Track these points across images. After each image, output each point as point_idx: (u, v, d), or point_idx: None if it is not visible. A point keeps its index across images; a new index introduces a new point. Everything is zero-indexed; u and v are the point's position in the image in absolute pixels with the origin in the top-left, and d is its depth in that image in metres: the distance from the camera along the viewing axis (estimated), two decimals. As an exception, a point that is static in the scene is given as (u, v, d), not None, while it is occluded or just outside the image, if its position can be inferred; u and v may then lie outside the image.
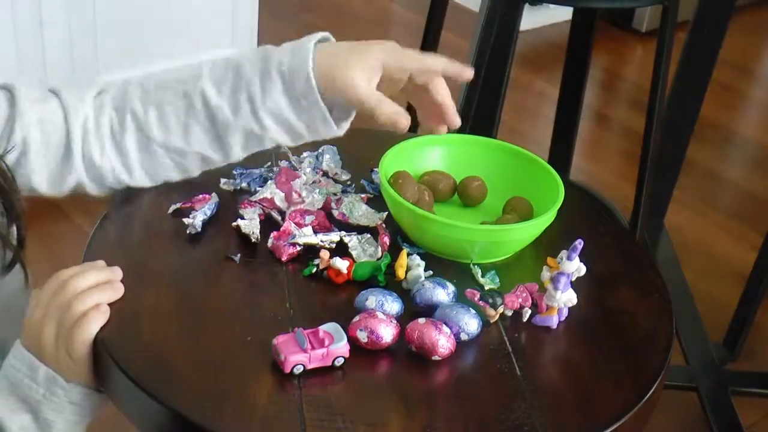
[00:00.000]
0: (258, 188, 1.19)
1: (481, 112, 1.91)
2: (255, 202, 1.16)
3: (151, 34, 2.82)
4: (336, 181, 1.25)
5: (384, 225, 1.15)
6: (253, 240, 1.10)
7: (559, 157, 2.52)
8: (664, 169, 2.36)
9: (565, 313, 1.06)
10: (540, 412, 0.94)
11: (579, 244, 1.02)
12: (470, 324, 1.00)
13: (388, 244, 1.11)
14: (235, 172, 1.21)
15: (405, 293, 1.05)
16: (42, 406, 1.00)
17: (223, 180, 1.20)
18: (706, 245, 2.82)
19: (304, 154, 1.25)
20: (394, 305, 1.01)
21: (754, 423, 2.21)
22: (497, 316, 1.04)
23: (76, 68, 2.69)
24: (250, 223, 1.12)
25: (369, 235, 1.13)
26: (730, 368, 2.30)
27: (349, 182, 1.24)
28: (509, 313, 1.05)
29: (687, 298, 2.43)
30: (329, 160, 1.26)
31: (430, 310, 1.02)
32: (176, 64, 2.87)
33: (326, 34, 1.13)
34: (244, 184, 1.21)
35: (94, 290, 0.99)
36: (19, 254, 1.09)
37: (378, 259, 1.09)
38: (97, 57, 2.72)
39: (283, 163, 1.24)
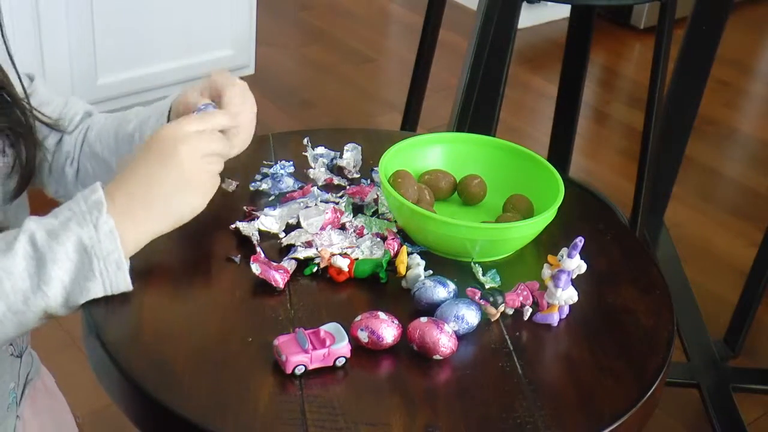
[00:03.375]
0: (275, 192, 1.20)
1: (480, 111, 1.91)
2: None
3: (149, 36, 2.82)
4: (349, 178, 1.25)
5: (395, 230, 1.15)
6: (254, 242, 1.10)
7: (558, 154, 2.52)
8: (663, 166, 2.36)
9: (566, 310, 1.06)
10: (542, 410, 0.94)
11: (579, 241, 1.02)
12: (468, 316, 0.99)
13: (396, 248, 1.11)
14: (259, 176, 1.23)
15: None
16: (69, 223, 0.96)
17: (226, 180, 1.20)
18: (706, 242, 2.82)
19: (320, 150, 1.27)
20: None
21: (755, 419, 2.22)
22: (498, 315, 1.04)
23: (75, 72, 2.69)
24: (249, 225, 1.11)
25: (379, 239, 1.13)
26: (732, 365, 2.30)
27: (356, 182, 1.24)
28: (510, 311, 1.05)
29: (688, 295, 2.43)
30: (350, 157, 1.27)
31: (431, 309, 1.02)
32: (174, 65, 2.88)
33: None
34: (264, 186, 1.21)
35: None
36: (28, 180, 1.10)
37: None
38: (95, 61, 2.72)
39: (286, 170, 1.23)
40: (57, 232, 0.95)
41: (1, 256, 0.94)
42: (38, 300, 0.95)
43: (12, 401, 1.19)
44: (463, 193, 1.23)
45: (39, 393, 1.28)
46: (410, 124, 2.46)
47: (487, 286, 1.08)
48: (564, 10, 3.25)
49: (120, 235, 0.97)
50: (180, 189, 1.02)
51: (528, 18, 3.79)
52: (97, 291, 0.97)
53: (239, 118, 1.11)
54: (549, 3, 2.46)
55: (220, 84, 1.13)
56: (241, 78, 1.17)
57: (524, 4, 1.88)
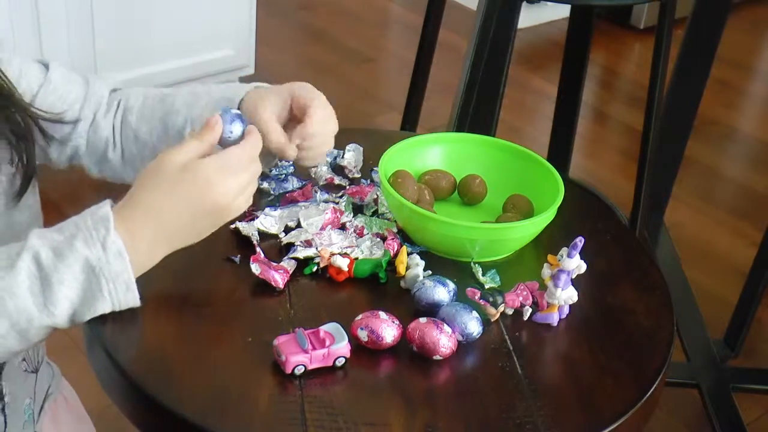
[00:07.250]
0: (278, 192, 1.20)
1: (479, 111, 1.91)
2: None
3: (149, 35, 2.81)
4: (350, 178, 1.26)
5: (395, 230, 1.15)
6: (254, 242, 1.10)
7: (558, 155, 2.51)
8: (663, 166, 2.36)
9: (566, 310, 1.06)
10: (541, 410, 0.94)
11: (579, 241, 1.02)
12: (471, 325, 0.99)
13: (396, 248, 1.11)
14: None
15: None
16: (74, 240, 0.93)
17: None
18: (706, 242, 2.82)
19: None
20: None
21: (755, 419, 2.21)
22: (498, 315, 1.04)
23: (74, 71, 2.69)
24: (249, 225, 1.11)
25: (378, 239, 1.13)
26: (731, 365, 2.30)
27: (356, 182, 1.24)
28: (510, 311, 1.05)
29: (687, 295, 2.42)
30: (351, 157, 1.27)
31: (431, 308, 1.02)
32: (174, 65, 2.88)
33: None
34: (265, 185, 1.21)
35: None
36: (30, 180, 1.08)
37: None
38: (95, 60, 2.72)
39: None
40: (62, 250, 0.93)
41: (3, 274, 0.92)
42: (44, 319, 0.93)
43: (28, 418, 1.18)
44: (463, 193, 1.23)
45: (60, 408, 1.26)
46: (410, 124, 2.46)
47: (487, 286, 1.08)
48: (564, 10, 3.25)
49: (133, 259, 0.95)
50: (209, 223, 1.00)
51: (528, 18, 3.78)
52: (105, 309, 0.96)
53: (315, 140, 1.12)
54: (549, 3, 2.46)
55: (303, 101, 1.13)
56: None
57: (524, 4, 1.88)
